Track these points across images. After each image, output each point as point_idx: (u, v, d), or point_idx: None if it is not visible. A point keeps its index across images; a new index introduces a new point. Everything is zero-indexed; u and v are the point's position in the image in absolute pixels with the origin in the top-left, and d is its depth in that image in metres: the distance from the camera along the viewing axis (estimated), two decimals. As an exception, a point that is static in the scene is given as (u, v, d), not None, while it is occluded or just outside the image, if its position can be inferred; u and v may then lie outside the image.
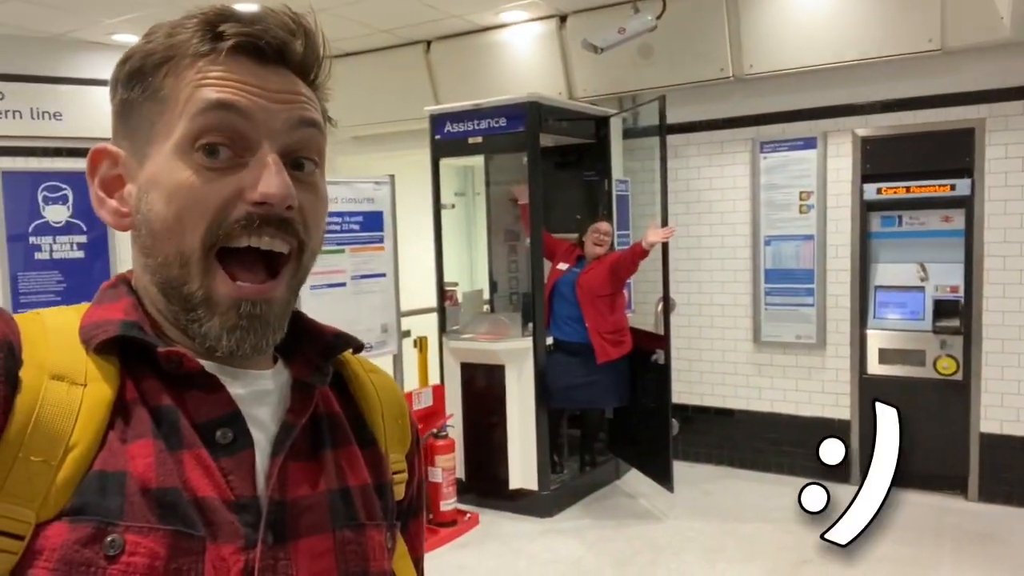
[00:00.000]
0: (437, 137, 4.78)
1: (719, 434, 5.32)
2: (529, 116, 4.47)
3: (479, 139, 4.64)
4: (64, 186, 5.29)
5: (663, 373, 4.45)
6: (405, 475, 0.80)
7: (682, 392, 5.25)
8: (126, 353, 0.63)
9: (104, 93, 0.72)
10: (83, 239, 5.38)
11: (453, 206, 4.92)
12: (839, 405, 4.93)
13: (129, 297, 0.67)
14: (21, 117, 5.18)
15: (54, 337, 0.61)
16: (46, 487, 0.55)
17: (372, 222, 4.64)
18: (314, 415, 0.70)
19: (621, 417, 5.00)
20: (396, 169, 4.88)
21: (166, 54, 0.64)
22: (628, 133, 5.36)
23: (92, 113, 5.36)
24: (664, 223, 4.37)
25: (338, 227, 4.39)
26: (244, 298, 0.63)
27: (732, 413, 5.27)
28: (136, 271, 0.68)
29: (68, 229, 5.33)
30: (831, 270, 4.94)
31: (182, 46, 0.63)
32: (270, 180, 0.61)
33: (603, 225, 4.66)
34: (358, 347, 0.77)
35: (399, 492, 0.79)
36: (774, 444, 5.12)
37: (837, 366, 4.94)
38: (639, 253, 4.31)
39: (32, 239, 5.22)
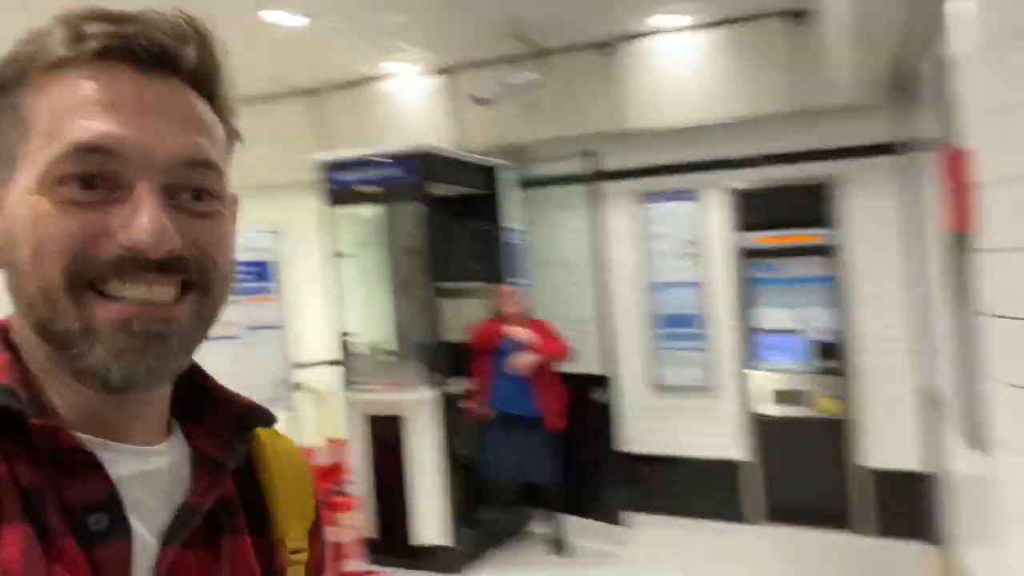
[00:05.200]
0: (331, 187, 4.68)
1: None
2: (418, 165, 4.46)
3: (370, 188, 4.58)
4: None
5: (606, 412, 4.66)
6: (304, 555, 0.70)
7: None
8: None
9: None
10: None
11: (348, 255, 4.79)
12: (735, 447, 5.11)
13: (4, 353, 0.57)
14: None
15: None
16: None
17: (263, 272, 4.46)
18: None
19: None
20: (298, 219, 4.74)
21: (25, 63, 0.55)
22: (527, 184, 5.46)
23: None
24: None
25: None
26: (133, 317, 0.54)
27: (640, 457, 5.31)
28: (15, 317, 0.58)
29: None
30: (716, 316, 5.19)
31: (41, 53, 0.54)
32: (142, 223, 0.53)
33: (502, 288, 4.86)
34: (270, 420, 0.69)
35: (297, 573, 0.69)
36: (672, 485, 5.24)
37: (728, 408, 5.14)
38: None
39: None
